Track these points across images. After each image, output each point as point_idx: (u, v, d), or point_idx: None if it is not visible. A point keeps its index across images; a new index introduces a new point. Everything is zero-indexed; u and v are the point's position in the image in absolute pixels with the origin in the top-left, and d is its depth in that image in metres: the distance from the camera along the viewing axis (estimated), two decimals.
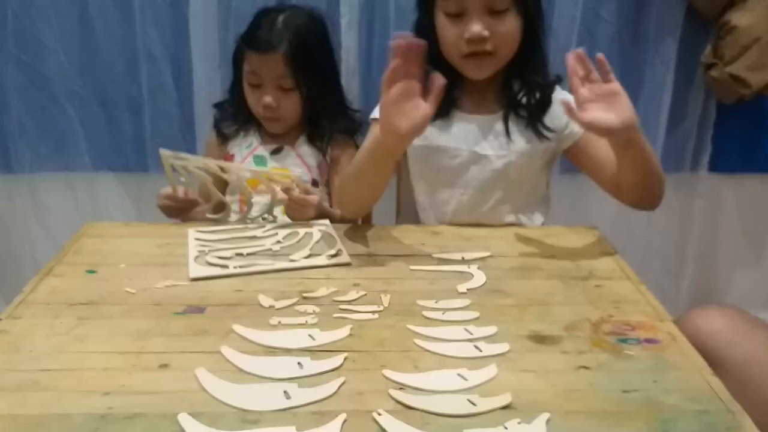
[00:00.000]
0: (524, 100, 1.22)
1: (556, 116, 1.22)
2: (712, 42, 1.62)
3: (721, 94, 1.68)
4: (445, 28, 1.17)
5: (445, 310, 0.88)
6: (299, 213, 1.19)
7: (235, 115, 1.40)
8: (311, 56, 1.32)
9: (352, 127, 1.41)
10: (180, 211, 1.24)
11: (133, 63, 1.62)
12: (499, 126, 1.22)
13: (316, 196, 1.19)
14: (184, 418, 0.65)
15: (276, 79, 1.31)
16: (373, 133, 1.23)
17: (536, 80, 1.22)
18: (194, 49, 1.60)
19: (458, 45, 1.16)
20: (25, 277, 1.59)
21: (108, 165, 1.72)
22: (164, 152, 1.13)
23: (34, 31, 1.57)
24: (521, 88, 1.23)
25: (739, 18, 1.54)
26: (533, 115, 1.22)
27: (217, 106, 1.45)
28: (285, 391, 0.70)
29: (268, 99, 1.31)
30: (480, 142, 1.22)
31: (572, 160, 1.27)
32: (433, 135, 1.22)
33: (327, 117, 1.38)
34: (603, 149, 1.17)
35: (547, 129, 1.21)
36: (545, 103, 1.22)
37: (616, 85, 0.97)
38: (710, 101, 1.74)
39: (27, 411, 0.66)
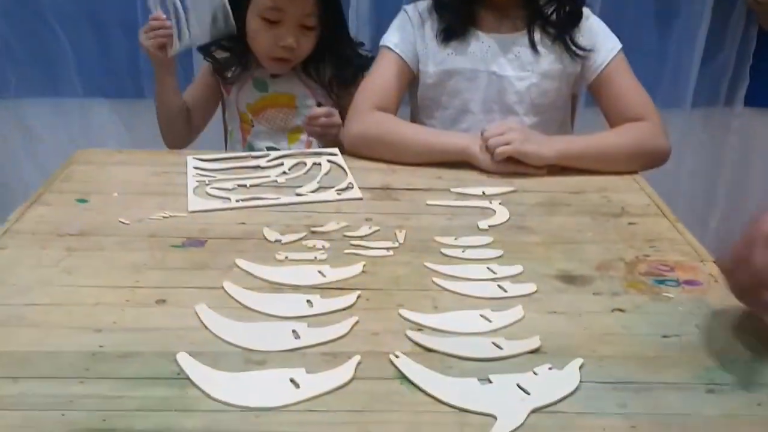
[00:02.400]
0: (553, 13, 1.16)
1: (584, 38, 1.17)
2: None
3: (764, 21, 1.60)
4: None
5: (465, 247, 0.84)
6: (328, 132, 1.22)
7: (232, 47, 1.32)
8: None
9: (356, 70, 1.33)
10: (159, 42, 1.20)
11: None
12: (522, 45, 1.17)
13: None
14: (182, 358, 0.61)
15: (301, 18, 1.22)
16: (389, 61, 1.17)
17: None
18: None
19: None
20: (15, 207, 1.55)
21: (101, 91, 1.67)
22: None
23: None
24: (549, 1, 1.16)
25: None
26: (563, 29, 1.16)
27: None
28: (294, 331, 0.66)
29: (290, 40, 1.23)
30: (499, 61, 1.17)
31: (594, 97, 1.22)
32: (449, 58, 1.18)
33: (337, 56, 1.30)
34: (620, 94, 1.15)
35: (578, 46, 1.15)
36: (576, 16, 1.16)
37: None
38: (751, 29, 1.67)
39: (13, 348, 0.63)
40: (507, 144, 1.02)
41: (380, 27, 1.54)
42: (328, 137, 1.23)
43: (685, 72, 1.67)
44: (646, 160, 1.10)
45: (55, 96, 1.66)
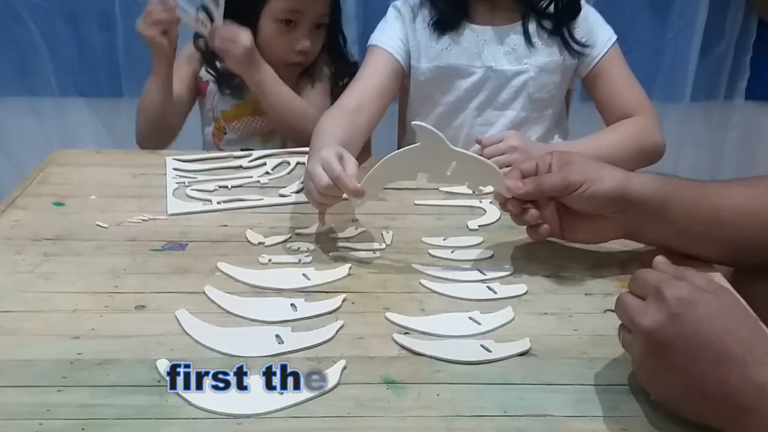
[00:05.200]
0: (549, 6, 1.18)
1: (580, 29, 1.19)
2: None
3: (763, 10, 1.63)
4: None
5: (454, 248, 0.86)
6: (226, 47, 1.18)
7: None
8: None
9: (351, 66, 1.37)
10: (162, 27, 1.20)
11: None
12: (517, 37, 1.18)
13: (246, 37, 1.18)
14: (163, 365, 0.62)
15: (317, 18, 1.27)
16: (376, 59, 1.19)
17: None
18: None
19: None
20: None
21: (77, 89, 1.68)
22: None
23: None
24: None
25: None
26: (561, 22, 1.17)
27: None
28: (277, 335, 0.67)
29: (307, 43, 1.28)
30: (495, 55, 1.18)
31: (587, 89, 1.24)
32: (443, 53, 1.19)
33: (336, 51, 1.37)
34: (615, 89, 1.17)
35: (576, 41, 1.17)
36: (574, 9, 1.17)
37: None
38: (750, 20, 1.70)
39: None
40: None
41: (367, 24, 1.58)
42: (230, 56, 1.20)
43: (683, 65, 1.70)
44: (644, 158, 1.12)
45: (31, 95, 1.68)
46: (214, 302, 0.73)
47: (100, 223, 0.89)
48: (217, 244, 0.85)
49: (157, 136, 1.33)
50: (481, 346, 0.67)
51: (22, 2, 1.58)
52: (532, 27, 1.18)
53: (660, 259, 0.62)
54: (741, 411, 0.51)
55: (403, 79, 1.23)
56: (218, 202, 0.95)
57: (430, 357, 0.65)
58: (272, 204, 0.96)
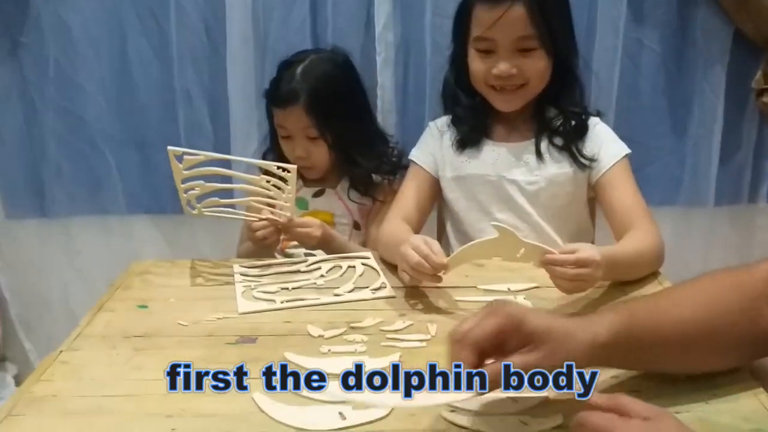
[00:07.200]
0: (560, 127, 1.33)
1: (590, 145, 1.33)
2: (762, 67, 1.70)
3: None
4: (475, 61, 1.31)
5: None
6: (302, 241, 1.36)
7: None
8: (333, 103, 1.43)
9: (391, 166, 1.50)
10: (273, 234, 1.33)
11: (170, 104, 1.75)
12: (530, 152, 1.33)
13: (315, 227, 1.33)
14: None
15: (302, 131, 1.43)
16: (413, 174, 1.35)
17: (571, 110, 1.33)
18: (231, 90, 1.73)
19: (486, 77, 1.30)
20: (58, 321, 1.71)
21: (143, 207, 1.84)
22: (172, 148, 1.20)
23: (73, 76, 1.72)
24: (556, 115, 1.34)
25: None
26: (569, 140, 1.32)
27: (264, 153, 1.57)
28: (340, 413, 0.78)
29: (298, 151, 1.44)
30: (510, 167, 1.34)
31: (596, 196, 1.35)
32: (463, 164, 1.36)
33: (362, 158, 1.48)
34: (620, 199, 1.26)
35: (584, 156, 1.31)
36: (582, 129, 1.33)
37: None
38: (765, 128, 1.80)
39: None
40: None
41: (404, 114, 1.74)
42: (306, 246, 1.38)
43: (704, 171, 1.79)
44: (655, 262, 1.16)
45: (101, 213, 1.84)
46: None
47: (181, 322, 1.02)
48: (283, 337, 0.97)
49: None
50: (520, 420, 0.77)
51: (100, 134, 1.76)
52: (544, 144, 1.33)
53: (593, 397, 0.68)
54: None
55: (436, 185, 1.41)
56: (281, 302, 1.08)
57: (474, 431, 0.75)
58: (329, 302, 1.08)
